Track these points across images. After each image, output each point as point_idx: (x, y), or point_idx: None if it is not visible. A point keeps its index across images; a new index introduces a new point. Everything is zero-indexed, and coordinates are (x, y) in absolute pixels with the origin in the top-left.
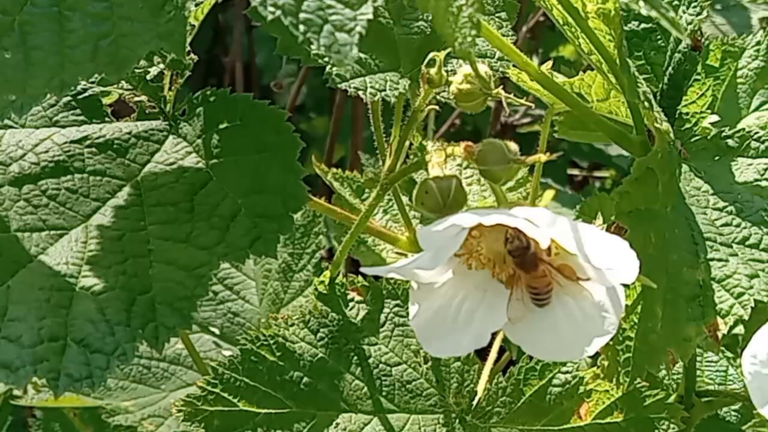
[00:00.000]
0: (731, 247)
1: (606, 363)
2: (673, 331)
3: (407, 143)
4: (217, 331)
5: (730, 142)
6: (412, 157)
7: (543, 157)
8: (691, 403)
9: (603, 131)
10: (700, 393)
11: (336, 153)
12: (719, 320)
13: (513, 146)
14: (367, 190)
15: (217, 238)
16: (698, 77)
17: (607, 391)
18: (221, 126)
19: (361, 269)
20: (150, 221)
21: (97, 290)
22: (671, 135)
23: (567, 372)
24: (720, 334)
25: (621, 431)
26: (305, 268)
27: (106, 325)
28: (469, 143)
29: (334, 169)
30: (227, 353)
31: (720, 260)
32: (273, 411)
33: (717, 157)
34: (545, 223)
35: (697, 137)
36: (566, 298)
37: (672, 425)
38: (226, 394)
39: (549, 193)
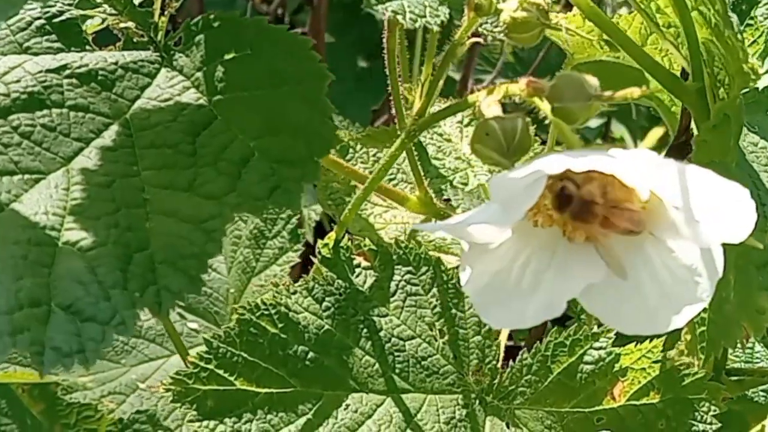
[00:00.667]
0: None
1: (689, 337)
2: (746, 301)
3: (441, 83)
4: (181, 302)
5: None
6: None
7: (636, 92)
8: (720, 381)
9: (656, 76)
10: (727, 371)
11: None
12: None
13: (593, 80)
14: (351, 150)
15: (227, 185)
16: (751, 22)
17: (644, 369)
18: (227, 57)
19: (414, 226)
20: (144, 166)
21: (85, 245)
22: (758, 74)
23: (600, 348)
24: None
25: (657, 413)
26: (279, 234)
27: (98, 288)
28: (531, 78)
29: None
30: (192, 325)
31: None
32: (275, 390)
33: None
34: (649, 168)
35: (747, 89)
36: (653, 257)
37: (712, 407)
38: (221, 371)
39: (657, 131)
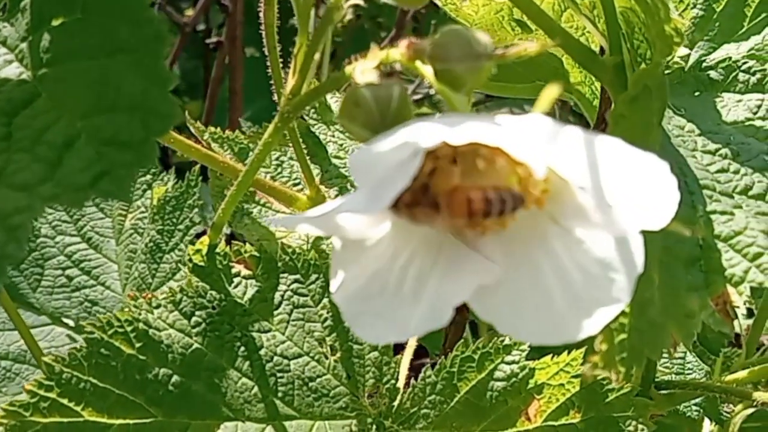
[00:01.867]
0: (732, 197)
1: (604, 347)
2: (672, 304)
3: (316, 56)
4: (71, 323)
5: (712, 74)
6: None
7: (532, 47)
8: (648, 396)
9: (569, 52)
10: (656, 384)
11: None
12: (730, 290)
13: (483, 36)
14: (251, 154)
15: (42, 173)
16: None
17: (562, 385)
18: (54, 23)
19: (268, 219)
20: None
21: None
22: (682, 35)
23: (512, 362)
24: (730, 309)
25: None
26: (177, 247)
27: None
28: (412, 39)
29: (212, 128)
30: None
31: (724, 213)
32: (131, 421)
33: (697, 93)
34: (543, 137)
35: (670, 69)
36: (558, 251)
37: (640, 425)
38: (65, 400)
39: (552, 90)
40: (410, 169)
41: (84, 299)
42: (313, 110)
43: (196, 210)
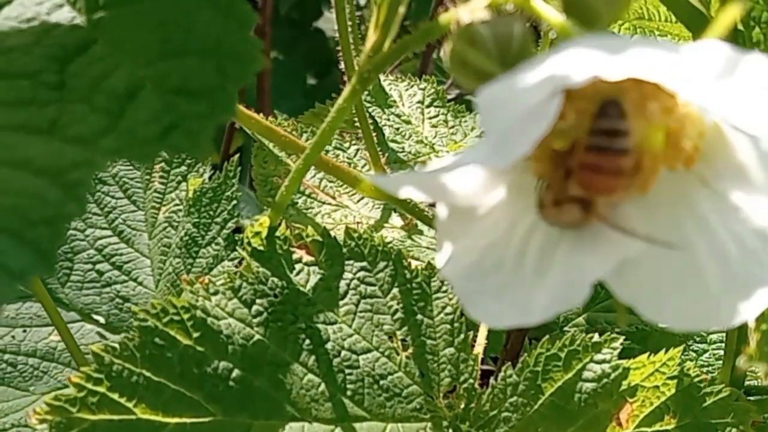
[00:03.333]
0: None
1: (757, 336)
2: None
3: (401, 9)
4: (102, 320)
5: None
6: None
7: None
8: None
9: (677, 10)
10: (745, 389)
11: (234, 142)
12: None
13: None
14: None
15: (102, 125)
16: None
17: (657, 387)
18: None
19: (368, 176)
20: None
21: None
22: None
23: (603, 361)
24: None
25: None
26: (214, 241)
27: None
28: None
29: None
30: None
31: None
32: (188, 420)
33: None
34: (716, 71)
35: None
36: (710, 219)
37: None
38: (115, 395)
39: (732, 10)
40: (548, 112)
41: (115, 295)
42: (367, 93)
43: (234, 202)
